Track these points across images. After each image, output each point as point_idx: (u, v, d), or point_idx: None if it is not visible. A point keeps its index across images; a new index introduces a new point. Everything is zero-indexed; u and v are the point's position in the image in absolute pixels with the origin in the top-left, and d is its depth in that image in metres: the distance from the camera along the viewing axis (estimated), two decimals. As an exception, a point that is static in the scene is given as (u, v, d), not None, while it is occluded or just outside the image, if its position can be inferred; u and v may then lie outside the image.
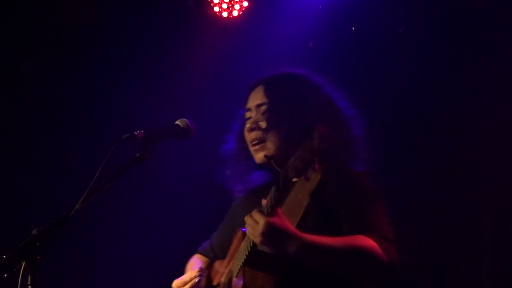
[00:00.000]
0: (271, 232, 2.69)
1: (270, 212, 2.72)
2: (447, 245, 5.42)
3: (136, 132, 2.86)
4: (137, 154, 2.86)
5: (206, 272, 3.37)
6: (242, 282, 2.88)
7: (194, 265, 3.46)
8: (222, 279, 3.19)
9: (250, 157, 3.23)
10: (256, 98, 3.21)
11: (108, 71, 5.78)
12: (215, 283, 3.31)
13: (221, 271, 3.27)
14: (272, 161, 2.97)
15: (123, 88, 5.74)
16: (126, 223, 5.69)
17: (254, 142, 3.16)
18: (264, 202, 2.77)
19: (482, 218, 5.27)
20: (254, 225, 2.71)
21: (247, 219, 2.75)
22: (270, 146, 3.11)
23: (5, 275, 2.53)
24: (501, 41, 5.28)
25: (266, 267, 2.83)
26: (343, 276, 2.85)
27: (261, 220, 2.69)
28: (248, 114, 3.23)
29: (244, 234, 2.96)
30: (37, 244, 2.57)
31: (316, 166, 2.59)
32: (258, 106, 3.18)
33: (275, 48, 5.51)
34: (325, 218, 2.93)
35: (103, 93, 5.78)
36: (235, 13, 5.75)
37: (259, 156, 3.14)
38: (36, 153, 5.76)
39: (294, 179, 2.90)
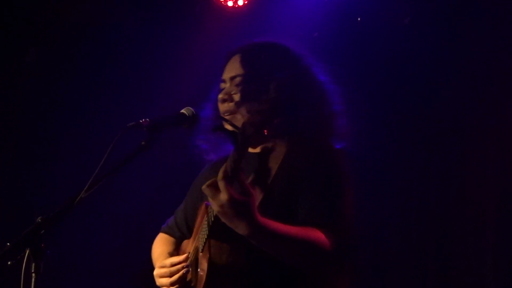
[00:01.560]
0: (231, 208, 2.58)
1: (232, 175, 2.59)
2: (450, 245, 5.41)
3: (142, 120, 2.83)
4: (142, 143, 2.82)
5: (175, 255, 3.29)
6: (208, 256, 2.81)
7: (164, 250, 3.37)
8: (190, 257, 3.12)
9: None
10: (231, 69, 3.14)
11: (113, 61, 5.77)
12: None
13: (188, 250, 3.20)
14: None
15: (128, 77, 5.75)
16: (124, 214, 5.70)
17: (225, 114, 3.08)
18: (223, 165, 2.62)
19: (485, 218, 5.26)
20: (216, 193, 2.59)
21: (207, 188, 2.61)
22: (239, 118, 2.99)
23: (9, 263, 2.52)
24: (510, 33, 5.25)
25: (232, 238, 2.74)
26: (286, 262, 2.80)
27: (224, 191, 2.57)
28: (222, 85, 3.15)
29: (207, 207, 2.89)
30: (41, 232, 2.55)
31: (275, 121, 2.55)
32: (233, 78, 3.11)
33: (280, 38, 5.48)
34: (286, 196, 2.88)
35: (108, 83, 5.77)
36: (240, 3, 5.75)
37: (227, 127, 3.00)
38: (41, 142, 5.77)
39: (256, 150, 2.94)
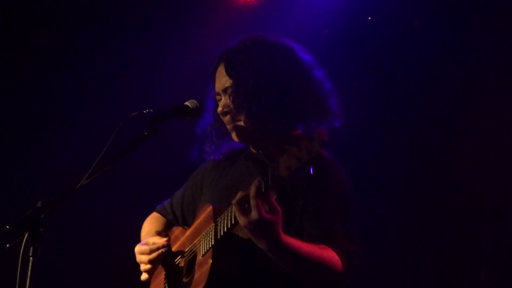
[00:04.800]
0: (260, 226, 2.67)
1: (265, 193, 2.65)
2: (447, 245, 5.42)
3: (145, 110, 2.87)
4: (145, 133, 2.86)
5: (164, 234, 3.37)
6: (210, 262, 2.87)
7: (152, 228, 3.44)
8: (186, 250, 3.19)
9: (226, 133, 3.20)
10: (221, 80, 3.14)
11: (121, 50, 5.77)
12: (174, 249, 3.30)
13: (183, 240, 3.26)
14: (260, 151, 3.04)
15: (135, 68, 5.75)
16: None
17: (229, 125, 3.13)
18: (256, 182, 2.66)
19: (484, 217, 5.26)
20: (246, 210, 2.66)
21: (237, 204, 2.68)
22: (243, 127, 3.07)
23: (8, 245, 2.56)
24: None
25: (236, 253, 2.83)
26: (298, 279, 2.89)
27: (254, 210, 2.64)
28: (218, 97, 3.18)
29: (215, 211, 2.96)
30: (41, 216, 2.59)
31: (312, 169, 2.56)
32: (225, 90, 3.12)
33: (290, 33, 5.46)
34: (298, 212, 2.96)
35: (114, 72, 5.78)
36: (250, -3, 5.74)
37: (233, 135, 3.11)
38: (45, 128, 5.79)
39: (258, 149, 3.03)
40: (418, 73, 5.54)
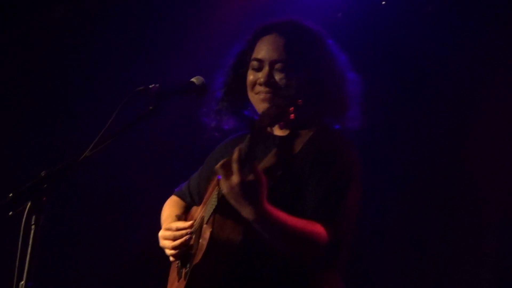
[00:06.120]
0: (241, 191, 2.69)
1: (244, 159, 2.69)
2: (450, 244, 5.41)
3: (151, 85, 2.88)
4: (150, 108, 2.88)
5: (183, 218, 3.40)
6: (211, 229, 2.91)
7: (172, 213, 3.47)
8: (195, 225, 3.21)
9: (241, 98, 3.22)
10: (272, 50, 3.11)
11: (133, 24, 5.79)
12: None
13: (195, 216, 3.29)
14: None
15: (144, 43, 5.77)
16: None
17: (266, 96, 3.10)
18: (238, 147, 2.72)
19: (486, 217, 5.25)
20: (227, 175, 2.70)
21: (220, 167, 2.72)
22: (279, 105, 2.93)
23: (10, 213, 2.59)
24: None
25: (235, 217, 2.83)
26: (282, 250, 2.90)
27: (236, 174, 2.68)
28: (256, 64, 3.14)
29: (219, 181, 2.94)
30: (44, 186, 2.62)
31: (291, 116, 2.61)
32: (274, 62, 3.10)
33: (304, 16, 5.47)
34: (294, 186, 2.97)
35: (123, 46, 5.80)
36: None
37: (263, 106, 3.05)
38: (51, 101, 5.82)
39: (281, 133, 3.02)
40: (432, 60, 5.51)
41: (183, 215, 3.44)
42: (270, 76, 3.09)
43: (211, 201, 3.02)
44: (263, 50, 3.15)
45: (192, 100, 3.06)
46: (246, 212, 2.74)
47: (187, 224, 3.26)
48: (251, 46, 3.21)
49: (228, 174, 2.70)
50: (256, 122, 2.72)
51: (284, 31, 3.14)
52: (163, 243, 3.30)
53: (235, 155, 2.69)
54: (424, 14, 5.47)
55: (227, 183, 2.70)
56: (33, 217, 2.58)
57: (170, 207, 3.55)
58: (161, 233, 3.32)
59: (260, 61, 3.14)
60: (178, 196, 3.59)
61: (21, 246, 2.57)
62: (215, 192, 2.99)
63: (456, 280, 5.34)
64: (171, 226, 3.30)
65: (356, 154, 3.08)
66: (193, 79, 3.04)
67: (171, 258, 3.31)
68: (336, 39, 3.28)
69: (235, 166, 2.68)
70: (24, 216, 2.58)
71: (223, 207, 2.89)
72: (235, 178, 2.68)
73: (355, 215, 2.99)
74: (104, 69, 5.80)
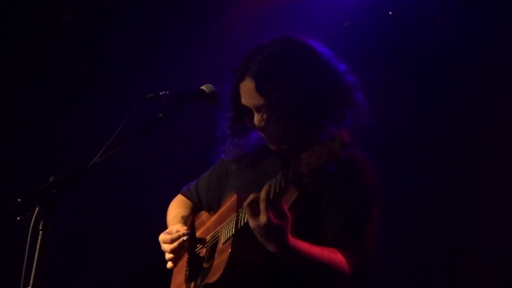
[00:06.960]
0: (268, 231, 2.70)
1: (273, 199, 2.68)
2: (456, 246, 5.41)
3: (161, 92, 2.87)
4: (160, 115, 2.87)
5: (190, 219, 3.41)
6: (229, 251, 2.91)
7: (179, 214, 3.47)
8: (208, 238, 3.21)
9: (248, 130, 3.22)
10: (251, 97, 3.08)
11: (144, 30, 5.80)
12: (198, 234, 3.34)
13: (207, 225, 3.29)
14: (284, 146, 3.04)
15: (155, 50, 5.77)
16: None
17: (268, 139, 3.15)
18: (267, 186, 2.71)
19: (495, 217, 5.25)
20: (256, 213, 2.70)
21: (248, 206, 2.73)
22: (280, 137, 3.09)
23: (18, 218, 2.58)
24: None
25: (255, 244, 2.83)
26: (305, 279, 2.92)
27: (263, 214, 2.68)
28: (247, 108, 3.14)
29: (239, 200, 2.99)
30: (53, 191, 2.61)
31: (331, 168, 2.57)
32: (257, 108, 3.08)
33: (311, 24, 5.48)
34: (313, 209, 2.98)
35: (133, 53, 5.80)
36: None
37: (274, 146, 3.14)
38: (63, 106, 5.82)
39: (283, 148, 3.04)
40: (439, 69, 5.51)
41: (190, 216, 3.44)
42: (261, 120, 3.09)
43: (230, 221, 3.00)
44: (245, 97, 3.14)
45: (202, 108, 3.06)
46: (272, 247, 2.76)
47: (185, 228, 3.29)
48: (238, 90, 3.18)
49: (255, 212, 2.71)
50: (291, 167, 2.66)
51: (255, 74, 3.07)
52: (162, 246, 3.31)
53: (263, 195, 2.69)
54: (431, 24, 5.46)
55: (255, 222, 2.71)
56: (41, 222, 2.58)
57: (177, 208, 3.55)
58: (161, 237, 3.33)
59: (247, 107, 3.14)
60: (185, 195, 3.58)
61: (28, 251, 2.57)
62: (234, 217, 2.98)
63: (465, 280, 5.33)
64: (171, 229, 3.31)
65: (377, 177, 3.06)
66: (203, 87, 3.04)
67: (169, 264, 3.32)
68: (343, 48, 3.27)
69: (263, 206, 2.68)
70: (32, 221, 2.58)
71: (243, 234, 2.89)
72: (262, 218, 2.68)
73: (377, 241, 2.98)
74: (115, 74, 5.79)
